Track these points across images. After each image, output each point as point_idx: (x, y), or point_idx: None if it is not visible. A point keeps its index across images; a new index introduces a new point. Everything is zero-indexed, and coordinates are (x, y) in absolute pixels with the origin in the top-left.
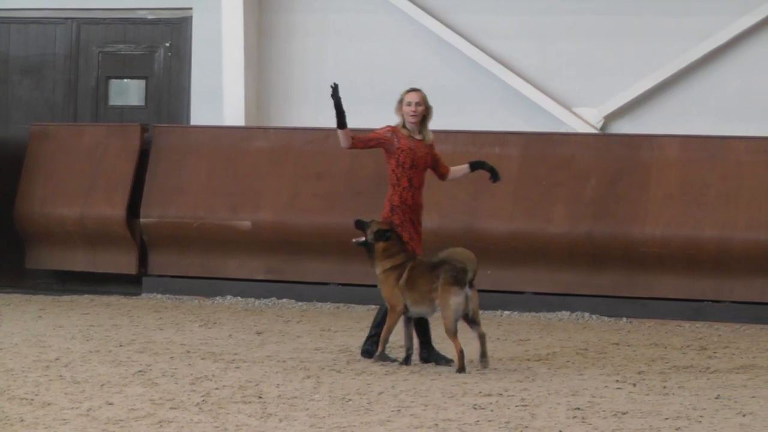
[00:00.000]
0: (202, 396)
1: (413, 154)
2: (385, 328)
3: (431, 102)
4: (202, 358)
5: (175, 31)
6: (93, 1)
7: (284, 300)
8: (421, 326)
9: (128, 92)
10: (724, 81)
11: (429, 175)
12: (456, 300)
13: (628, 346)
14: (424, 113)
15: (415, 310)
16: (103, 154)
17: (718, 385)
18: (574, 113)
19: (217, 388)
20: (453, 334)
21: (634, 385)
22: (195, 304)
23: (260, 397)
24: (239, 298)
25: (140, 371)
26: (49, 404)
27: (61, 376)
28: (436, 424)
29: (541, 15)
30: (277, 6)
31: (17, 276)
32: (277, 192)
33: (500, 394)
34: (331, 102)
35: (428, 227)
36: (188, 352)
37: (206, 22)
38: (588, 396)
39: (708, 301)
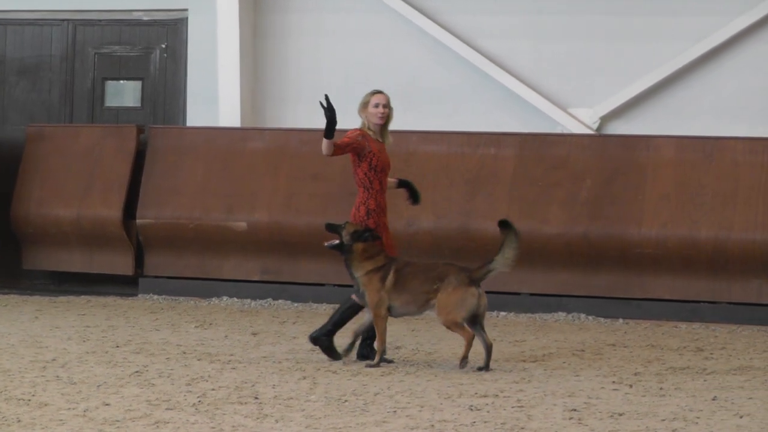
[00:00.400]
0: (199, 397)
1: (381, 156)
2: (378, 340)
3: (429, 102)
4: (199, 359)
5: (171, 33)
6: (89, 3)
7: (280, 301)
8: (346, 318)
9: (124, 93)
10: (720, 81)
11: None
12: (472, 301)
13: (625, 347)
14: (388, 116)
15: (402, 311)
16: (99, 155)
17: (715, 386)
18: (570, 114)
19: (213, 389)
20: (462, 324)
21: (631, 386)
22: (191, 305)
23: (256, 398)
24: (235, 299)
25: (137, 372)
26: (46, 405)
27: (57, 376)
28: (432, 425)
29: (537, 15)
30: (272, 6)
31: (14, 277)
32: (272, 193)
33: (496, 395)
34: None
35: (424, 228)
36: (184, 353)
37: (202, 23)
38: (584, 397)
39: (704, 302)
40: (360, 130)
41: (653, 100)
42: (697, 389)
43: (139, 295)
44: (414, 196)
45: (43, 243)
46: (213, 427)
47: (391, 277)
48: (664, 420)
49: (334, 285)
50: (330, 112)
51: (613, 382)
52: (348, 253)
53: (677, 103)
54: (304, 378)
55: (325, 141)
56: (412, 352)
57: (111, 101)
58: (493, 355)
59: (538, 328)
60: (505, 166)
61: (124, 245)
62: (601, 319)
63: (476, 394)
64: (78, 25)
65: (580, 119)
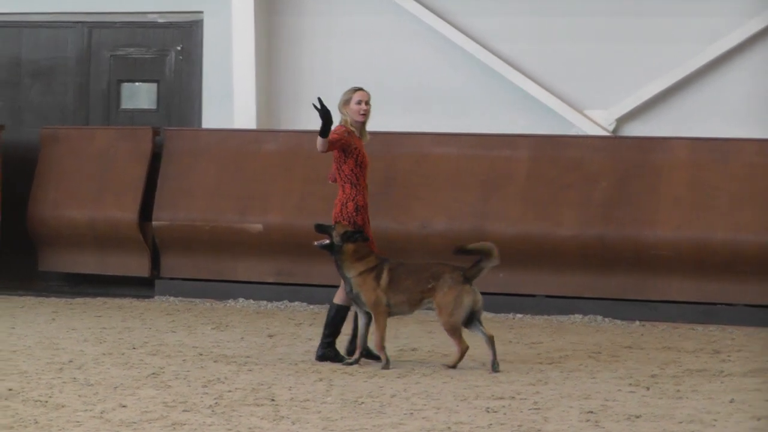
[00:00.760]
0: (215, 398)
1: (364, 153)
2: (377, 335)
3: (442, 104)
4: (215, 361)
5: (186, 35)
6: (104, 5)
7: (296, 303)
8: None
9: (139, 95)
10: (735, 83)
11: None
12: (468, 298)
13: (641, 349)
14: (368, 113)
15: (395, 311)
16: (114, 158)
17: (732, 388)
18: (585, 116)
19: (229, 391)
20: (460, 332)
21: (647, 388)
22: (207, 307)
23: (272, 400)
24: (251, 301)
25: (153, 374)
26: (62, 406)
27: (74, 378)
28: (449, 428)
29: (551, 17)
30: (286, 9)
31: (30, 279)
32: (287, 195)
33: (512, 398)
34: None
35: (437, 230)
36: (200, 354)
37: (217, 26)
38: (601, 399)
39: (721, 304)
40: (344, 126)
41: (668, 102)
42: (714, 391)
43: (155, 297)
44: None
45: (58, 245)
46: (229, 429)
47: (385, 277)
48: (680, 422)
49: None
50: (324, 112)
51: (630, 384)
52: (339, 254)
53: (692, 105)
54: (321, 380)
55: (320, 139)
56: (428, 354)
57: (126, 103)
58: (509, 358)
59: (554, 330)
60: (518, 168)
61: (140, 247)
62: (617, 321)
63: (492, 396)
64: (93, 28)
65: (595, 121)
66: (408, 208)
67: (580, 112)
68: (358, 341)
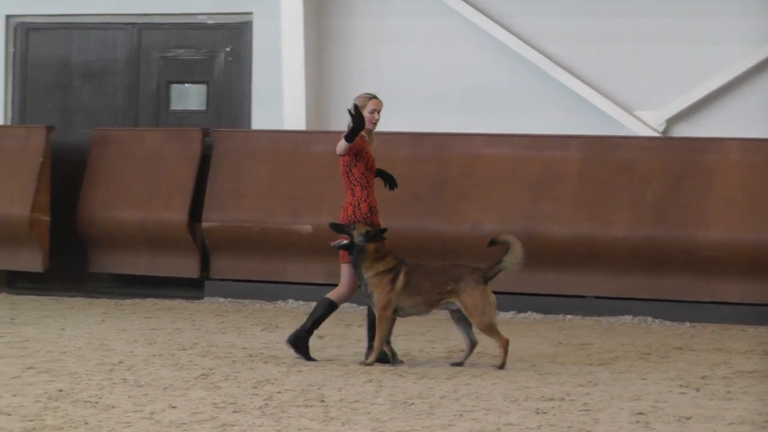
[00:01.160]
0: (265, 399)
1: (372, 157)
2: (378, 337)
3: (492, 105)
4: (264, 362)
5: (236, 36)
6: (153, 7)
7: (345, 304)
8: (325, 316)
9: (189, 97)
10: None
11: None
12: (493, 297)
13: (691, 350)
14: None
15: (411, 312)
16: (164, 159)
17: None
18: (636, 116)
19: (279, 392)
20: (497, 328)
21: (698, 389)
22: (256, 308)
23: (322, 401)
24: (300, 302)
25: (203, 375)
26: (112, 407)
27: (124, 379)
28: (498, 429)
29: (602, 17)
30: (336, 10)
31: (80, 280)
32: (337, 196)
33: (562, 399)
34: (391, 106)
35: (488, 231)
36: (250, 355)
37: (266, 27)
38: (651, 401)
39: None
40: None
41: (719, 103)
42: (765, 393)
43: (205, 298)
44: (391, 182)
45: (108, 246)
46: (279, 430)
47: (401, 279)
48: (731, 424)
49: None
50: (359, 118)
51: (680, 385)
52: (360, 254)
53: (743, 106)
54: (370, 381)
55: (344, 143)
56: (478, 355)
57: (176, 105)
58: (559, 359)
59: (604, 331)
60: (570, 169)
61: (190, 248)
62: (668, 323)
63: (542, 397)
64: (143, 29)
65: (645, 122)
66: (459, 209)
67: (630, 113)
68: (387, 346)
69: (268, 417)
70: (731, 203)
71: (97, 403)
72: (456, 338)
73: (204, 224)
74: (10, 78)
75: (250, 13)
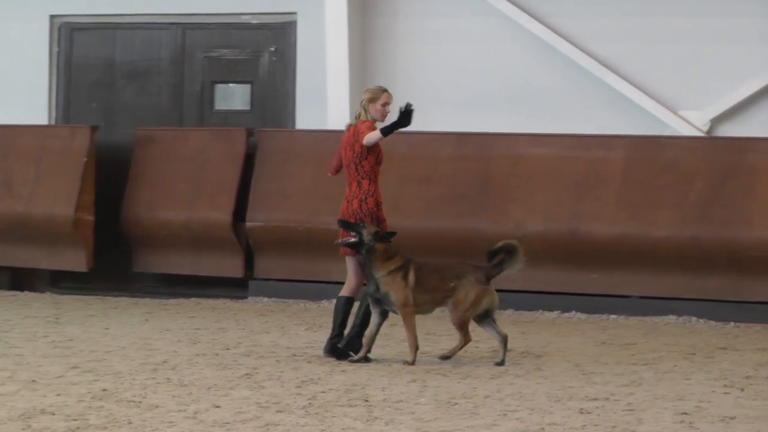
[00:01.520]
0: (308, 399)
1: (382, 151)
2: (410, 335)
3: (536, 105)
4: (308, 362)
5: (280, 36)
6: (198, 7)
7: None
8: (366, 318)
9: (233, 97)
10: None
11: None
12: (487, 299)
13: (736, 350)
14: None
15: (419, 310)
16: (208, 159)
17: None
18: (680, 116)
19: (323, 392)
20: (467, 326)
21: (742, 389)
22: (300, 308)
23: (366, 401)
24: None
25: (246, 374)
26: (156, 407)
27: (168, 378)
28: (542, 429)
29: (645, 17)
30: (380, 10)
31: (124, 279)
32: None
33: (606, 399)
34: (435, 106)
35: (532, 231)
36: (294, 355)
37: (310, 27)
38: (695, 401)
39: None
40: (371, 123)
41: (764, 102)
42: None
43: (249, 298)
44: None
45: (152, 246)
46: (323, 430)
47: (411, 277)
48: None
49: None
50: (407, 119)
51: (725, 385)
52: (369, 254)
53: None
54: (414, 381)
55: (378, 136)
56: (522, 355)
57: (220, 104)
58: (603, 359)
59: (648, 331)
60: (614, 169)
61: (234, 248)
62: (712, 322)
63: (586, 397)
64: (187, 29)
65: (690, 121)
66: (503, 209)
67: (675, 112)
68: (367, 340)
69: (312, 417)
70: None
71: (140, 402)
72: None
73: (248, 224)
74: (55, 78)
75: (294, 13)
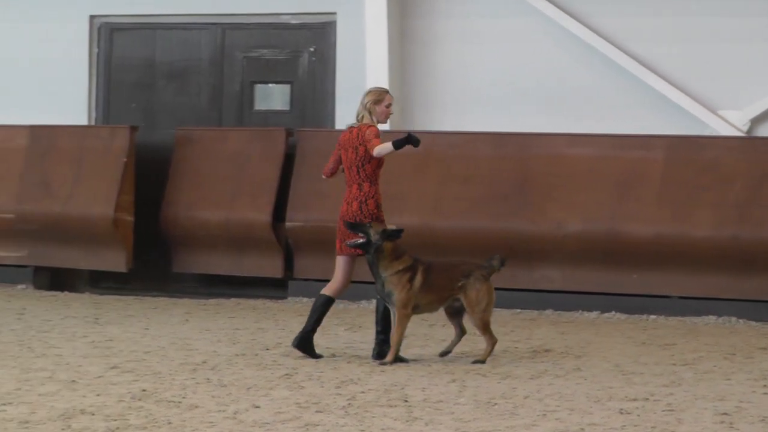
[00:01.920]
0: (348, 399)
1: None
2: (398, 335)
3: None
4: (348, 362)
5: (319, 36)
6: (237, 7)
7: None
8: (387, 321)
9: (273, 97)
10: None
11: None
12: (494, 297)
13: None
14: None
15: (426, 310)
16: (247, 159)
17: None
18: (720, 116)
19: (362, 392)
20: (490, 329)
21: None
22: (340, 308)
23: (406, 401)
24: None
25: (286, 374)
26: (196, 407)
27: (207, 379)
28: (582, 429)
29: (685, 17)
30: (420, 11)
31: (163, 280)
32: (421, 196)
33: (646, 399)
34: (475, 106)
35: (572, 231)
36: (333, 355)
37: (350, 27)
38: (735, 401)
39: None
40: (375, 127)
41: None
42: None
43: (288, 298)
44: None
45: (192, 246)
46: (362, 430)
47: (419, 277)
48: None
49: None
50: (417, 141)
51: (765, 385)
52: (377, 253)
53: None
54: (453, 381)
55: (389, 148)
56: (561, 355)
57: (259, 104)
58: (642, 359)
59: (687, 331)
60: (653, 169)
61: (273, 248)
62: (752, 323)
63: (626, 397)
64: (226, 29)
65: (729, 121)
66: (543, 209)
67: (714, 112)
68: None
69: (352, 417)
70: None
71: (180, 402)
72: (540, 338)
73: (288, 224)
74: (94, 78)
75: (334, 13)
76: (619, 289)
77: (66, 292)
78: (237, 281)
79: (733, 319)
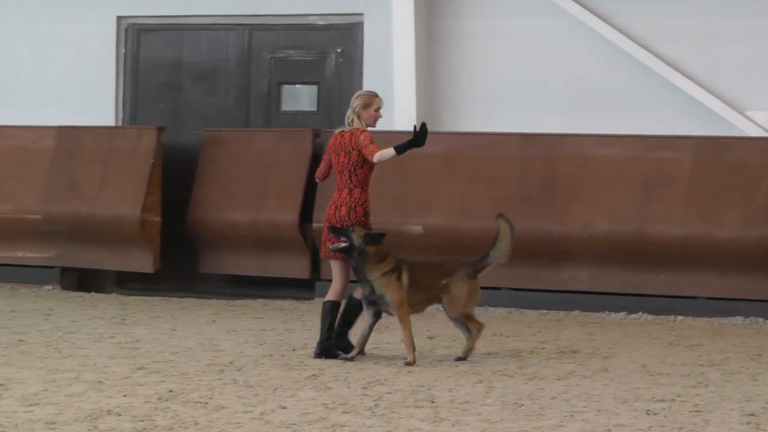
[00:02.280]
0: (375, 400)
1: None
2: (407, 335)
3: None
4: (374, 363)
5: (346, 37)
6: (264, 8)
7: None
8: (351, 317)
9: (300, 98)
10: None
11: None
12: (479, 293)
13: None
14: None
15: (415, 310)
16: (275, 160)
17: None
18: (747, 117)
19: (389, 393)
20: (474, 316)
21: None
22: None
23: (432, 402)
24: None
25: (313, 375)
26: (222, 408)
27: (234, 379)
28: (609, 430)
29: (712, 17)
30: (447, 11)
31: (190, 280)
32: (448, 196)
33: (673, 400)
34: (502, 107)
35: (599, 232)
36: (360, 356)
37: (377, 28)
38: (762, 402)
39: None
40: (369, 132)
41: None
42: None
43: (316, 299)
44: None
45: (219, 247)
46: (389, 431)
47: (405, 278)
48: None
49: (510, 289)
50: (423, 137)
51: None
52: (360, 257)
53: None
54: (480, 382)
55: (392, 154)
56: (588, 356)
57: (287, 105)
58: (669, 360)
59: (714, 332)
60: (681, 169)
61: (301, 249)
62: None
63: (653, 398)
64: (254, 30)
65: (757, 122)
66: (569, 210)
67: (742, 113)
68: (360, 340)
69: (378, 418)
70: None
71: (207, 403)
72: (567, 339)
73: (315, 225)
74: (122, 79)
75: (361, 14)
76: (646, 290)
77: (93, 293)
78: (264, 282)
79: (761, 320)
